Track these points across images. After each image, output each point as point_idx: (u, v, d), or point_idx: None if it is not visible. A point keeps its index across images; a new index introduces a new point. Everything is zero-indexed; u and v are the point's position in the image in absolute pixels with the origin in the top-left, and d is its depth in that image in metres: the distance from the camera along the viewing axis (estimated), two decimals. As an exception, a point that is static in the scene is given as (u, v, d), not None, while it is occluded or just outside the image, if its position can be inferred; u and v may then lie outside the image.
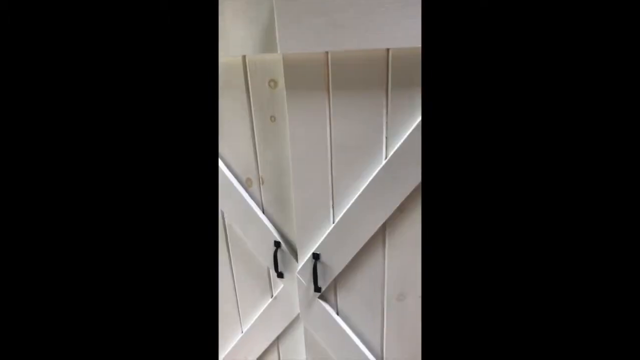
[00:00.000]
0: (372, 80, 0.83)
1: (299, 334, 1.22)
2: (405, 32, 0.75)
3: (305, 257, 1.06)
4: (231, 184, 1.09)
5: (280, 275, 1.14)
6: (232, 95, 1.00)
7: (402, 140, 0.86)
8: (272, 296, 1.21)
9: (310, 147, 0.93)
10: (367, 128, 0.88)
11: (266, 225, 1.10)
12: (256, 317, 1.25)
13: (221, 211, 1.15)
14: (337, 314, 1.12)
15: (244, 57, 0.96)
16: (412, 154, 0.85)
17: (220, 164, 1.09)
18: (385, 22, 0.75)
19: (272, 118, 0.98)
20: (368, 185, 0.92)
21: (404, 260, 0.98)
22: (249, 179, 1.09)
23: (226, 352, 1.35)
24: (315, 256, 1.03)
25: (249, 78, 0.97)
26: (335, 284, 1.08)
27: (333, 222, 1.00)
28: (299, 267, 1.08)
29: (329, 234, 1.00)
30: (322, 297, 1.11)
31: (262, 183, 1.08)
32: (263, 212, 1.11)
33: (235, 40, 0.91)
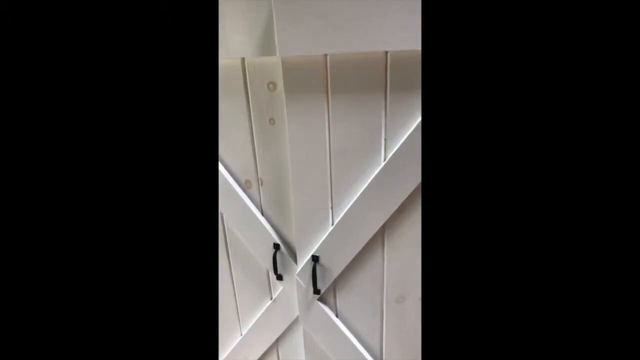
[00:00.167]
0: (371, 83, 0.84)
1: (298, 336, 1.22)
2: (403, 35, 0.75)
3: (304, 259, 1.06)
4: (230, 185, 1.09)
5: (279, 277, 1.14)
6: (231, 98, 1.00)
7: (400, 142, 0.86)
8: (271, 298, 1.21)
9: (309, 149, 0.93)
10: (366, 130, 0.88)
11: (265, 228, 1.10)
12: (255, 319, 1.25)
13: (220, 213, 1.15)
14: (337, 316, 1.11)
15: (243, 59, 0.96)
16: (411, 156, 0.86)
17: (219, 166, 1.09)
18: (384, 24, 0.75)
19: (271, 120, 0.98)
20: (367, 187, 0.92)
21: (403, 262, 0.99)
22: (248, 181, 1.09)
23: (225, 354, 1.35)
24: (315, 258, 1.03)
25: (248, 80, 0.97)
26: (335, 286, 1.08)
27: (332, 224, 1.00)
28: (298, 269, 1.08)
29: (328, 236, 1.00)
30: (322, 300, 1.10)
31: (261, 185, 1.08)
32: (262, 214, 1.11)
33: (234, 42, 0.91)
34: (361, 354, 1.11)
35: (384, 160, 0.89)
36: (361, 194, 0.93)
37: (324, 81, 0.86)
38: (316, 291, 1.07)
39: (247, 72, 0.97)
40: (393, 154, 0.87)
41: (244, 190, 1.10)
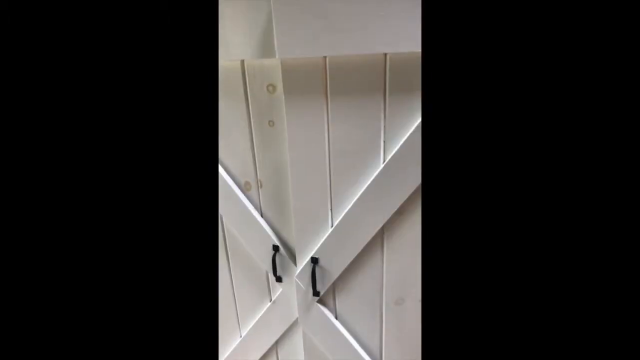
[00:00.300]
0: (370, 85, 0.84)
1: (297, 338, 1.22)
2: (403, 37, 0.75)
3: (303, 261, 1.06)
4: (230, 187, 1.09)
5: (278, 279, 1.14)
6: (230, 100, 1.00)
7: (400, 144, 0.86)
8: (270, 300, 1.21)
9: (308, 151, 0.94)
10: (365, 132, 0.88)
11: (264, 229, 1.10)
12: (255, 321, 1.25)
13: (220, 215, 1.15)
14: (336, 318, 1.11)
15: (242, 61, 0.96)
16: (410, 158, 0.86)
17: (219, 167, 1.09)
18: (383, 26, 0.75)
19: (271, 122, 0.99)
20: (366, 189, 0.92)
21: (402, 263, 0.99)
22: (247, 183, 1.09)
23: (225, 356, 1.35)
24: (314, 260, 1.03)
25: (247, 82, 0.97)
26: (334, 287, 1.08)
27: (331, 226, 1.00)
28: (298, 271, 1.08)
29: (327, 237, 1.00)
30: (321, 301, 1.10)
31: (261, 187, 1.08)
32: (261, 216, 1.11)
33: (234, 44, 0.91)
34: (360, 355, 1.10)
35: (383, 162, 0.90)
36: (360, 196, 0.93)
37: (323, 83, 0.87)
38: (315, 293, 1.07)
39: (246, 74, 0.97)
40: (392, 156, 0.87)
41: (244, 192, 1.10)
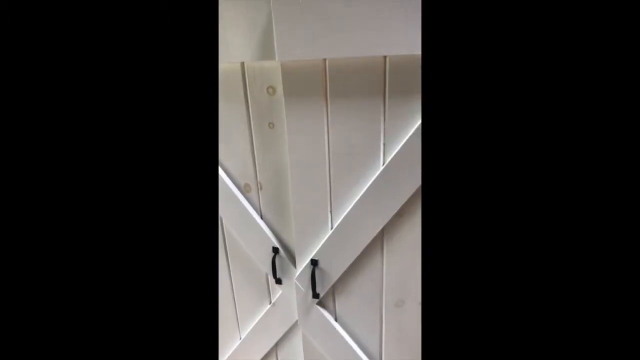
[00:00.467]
0: (370, 87, 0.84)
1: (297, 340, 1.21)
2: (402, 39, 0.75)
3: (303, 263, 1.06)
4: (229, 189, 1.09)
5: (278, 281, 1.14)
6: (230, 102, 1.01)
7: (399, 146, 0.86)
8: (270, 302, 1.21)
9: (308, 153, 0.94)
10: (365, 134, 0.88)
11: (264, 231, 1.10)
12: (254, 323, 1.25)
13: (220, 217, 1.15)
14: (336, 320, 1.11)
15: (242, 63, 0.96)
16: (410, 160, 0.86)
17: (219, 169, 1.09)
18: (383, 29, 0.75)
19: (271, 124, 0.99)
20: (366, 191, 0.92)
21: (402, 265, 0.99)
22: (247, 185, 1.09)
23: (225, 358, 1.35)
24: (314, 262, 1.03)
25: (247, 85, 0.98)
26: (334, 290, 1.08)
27: (331, 228, 1.00)
28: (297, 273, 1.08)
29: (327, 239, 1.00)
30: (321, 304, 1.10)
31: (261, 188, 1.08)
32: (261, 218, 1.11)
33: (234, 47, 0.92)
34: (360, 358, 1.10)
35: (383, 164, 0.90)
36: (360, 198, 0.93)
37: (323, 85, 0.87)
38: (315, 295, 1.07)
39: (246, 76, 0.97)
40: (392, 158, 0.87)
41: (243, 194, 1.10)
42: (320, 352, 1.16)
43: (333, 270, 1.03)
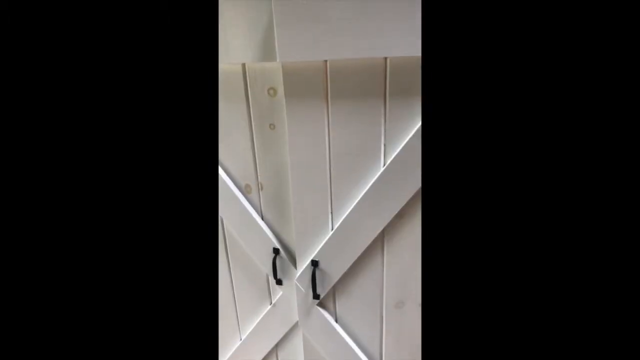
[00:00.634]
0: (371, 89, 0.84)
1: (297, 341, 1.21)
2: (403, 41, 0.75)
3: (304, 264, 1.06)
4: (230, 190, 1.09)
5: (279, 282, 1.14)
6: (231, 103, 1.01)
7: (400, 148, 0.86)
8: (270, 303, 1.21)
9: (309, 154, 0.94)
10: (366, 136, 0.88)
11: (265, 232, 1.10)
12: (255, 324, 1.25)
13: (220, 217, 1.15)
14: (336, 321, 1.11)
15: (243, 65, 0.96)
16: (410, 161, 0.86)
17: (220, 170, 1.09)
18: (384, 30, 0.75)
19: (272, 125, 0.99)
20: (367, 192, 0.92)
21: (402, 267, 0.99)
22: (248, 185, 1.09)
23: (225, 359, 1.35)
24: (314, 263, 1.04)
25: (248, 86, 0.98)
26: (334, 291, 1.08)
27: (332, 229, 1.00)
28: (298, 274, 1.08)
29: (327, 240, 1.00)
30: (321, 304, 1.10)
31: (261, 189, 1.08)
32: (262, 219, 1.11)
33: (235, 48, 0.92)
34: (360, 359, 1.10)
35: (384, 165, 0.90)
36: (361, 199, 0.93)
37: (324, 87, 0.87)
38: (316, 296, 1.07)
39: (247, 77, 0.97)
40: (392, 160, 0.88)
41: (244, 195, 1.10)
42: (321, 353, 1.16)
43: (333, 271, 1.03)
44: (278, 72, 0.92)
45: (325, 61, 0.85)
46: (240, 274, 1.22)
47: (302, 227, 1.02)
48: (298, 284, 1.09)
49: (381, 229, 0.94)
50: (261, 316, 1.23)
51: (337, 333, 1.10)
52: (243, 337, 1.30)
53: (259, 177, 1.07)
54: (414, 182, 0.87)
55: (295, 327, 1.19)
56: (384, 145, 0.88)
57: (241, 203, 1.09)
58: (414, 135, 0.84)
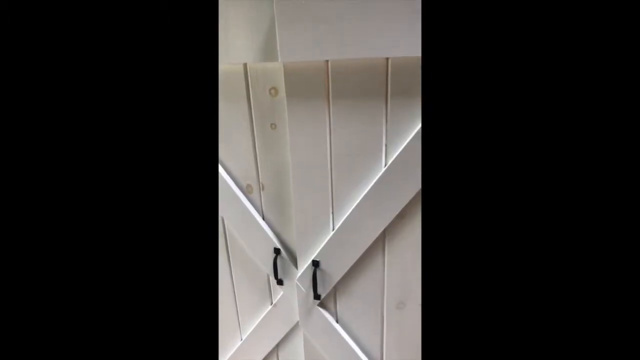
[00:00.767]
0: (372, 89, 0.84)
1: (298, 341, 1.21)
2: (405, 41, 0.75)
3: (305, 264, 1.06)
4: (231, 190, 1.09)
5: (279, 282, 1.14)
6: (233, 103, 1.01)
7: (401, 148, 0.86)
8: (271, 303, 1.21)
9: (310, 154, 0.94)
10: (367, 136, 0.88)
11: (266, 232, 1.10)
12: (256, 324, 1.25)
13: (221, 217, 1.15)
14: (337, 321, 1.11)
15: (245, 65, 0.96)
16: (412, 162, 0.86)
17: (221, 170, 1.09)
18: (385, 31, 0.75)
19: (273, 125, 0.99)
20: (368, 192, 0.92)
21: (403, 267, 0.98)
22: (249, 185, 1.09)
23: (226, 359, 1.35)
24: (315, 263, 1.03)
25: (250, 86, 0.98)
26: (335, 291, 1.08)
27: (333, 229, 1.00)
28: (299, 274, 1.08)
29: (328, 241, 1.00)
30: (322, 305, 1.10)
31: (263, 189, 1.08)
32: (263, 219, 1.11)
33: (236, 48, 0.92)
34: (361, 359, 1.10)
35: (385, 165, 0.90)
36: (362, 200, 0.93)
37: (325, 87, 0.87)
38: (316, 296, 1.07)
39: (249, 77, 0.97)
40: (394, 160, 0.87)
41: (245, 195, 1.10)
42: (321, 353, 1.15)
43: (334, 271, 1.03)
44: (279, 72, 0.92)
45: (327, 61, 0.85)
46: (241, 273, 1.22)
47: (303, 227, 1.02)
48: (299, 284, 1.09)
49: (382, 229, 0.94)
50: (262, 316, 1.23)
51: (338, 333, 1.10)
52: (244, 337, 1.30)
53: (260, 177, 1.07)
54: (415, 183, 0.87)
55: (295, 327, 1.19)
56: (385, 145, 0.88)
57: (242, 203, 1.09)
58: (415, 136, 0.84)
